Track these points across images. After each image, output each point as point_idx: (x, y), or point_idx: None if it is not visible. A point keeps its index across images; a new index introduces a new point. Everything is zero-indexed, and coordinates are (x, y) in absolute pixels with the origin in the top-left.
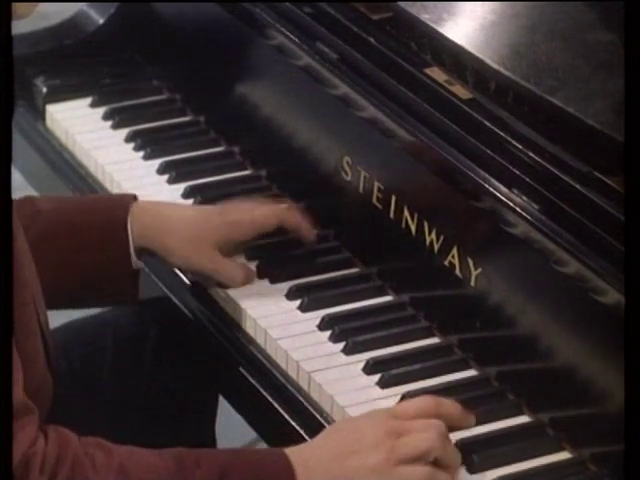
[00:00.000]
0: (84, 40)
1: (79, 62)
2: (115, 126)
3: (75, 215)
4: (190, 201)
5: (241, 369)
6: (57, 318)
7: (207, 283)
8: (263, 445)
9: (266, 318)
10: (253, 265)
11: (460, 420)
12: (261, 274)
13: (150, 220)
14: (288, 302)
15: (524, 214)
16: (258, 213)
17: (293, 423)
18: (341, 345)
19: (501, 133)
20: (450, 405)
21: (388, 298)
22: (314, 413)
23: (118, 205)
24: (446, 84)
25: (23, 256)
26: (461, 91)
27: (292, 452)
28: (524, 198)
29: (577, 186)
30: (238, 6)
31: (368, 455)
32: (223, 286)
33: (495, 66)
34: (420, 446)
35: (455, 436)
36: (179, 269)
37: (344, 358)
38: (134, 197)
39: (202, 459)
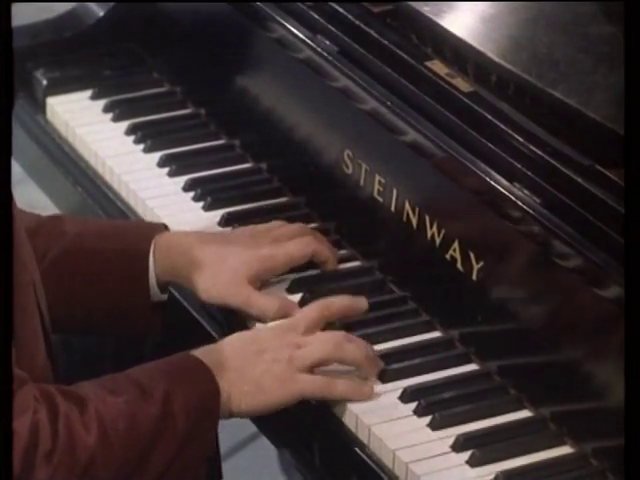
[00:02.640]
0: (84, 32)
1: (79, 54)
2: (115, 119)
3: (97, 241)
4: (191, 194)
5: None
6: None
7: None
8: (262, 440)
9: None
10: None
11: (354, 310)
12: None
13: (175, 252)
14: (289, 296)
15: (525, 207)
16: (293, 247)
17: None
18: None
19: (502, 126)
20: (338, 302)
21: (389, 292)
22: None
23: (141, 234)
24: (447, 77)
25: (23, 258)
26: (462, 84)
27: (211, 364)
28: (525, 191)
29: (579, 179)
30: None
31: (270, 365)
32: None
33: (496, 59)
34: (314, 355)
35: (456, 431)
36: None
37: None
38: (163, 226)
39: (147, 387)
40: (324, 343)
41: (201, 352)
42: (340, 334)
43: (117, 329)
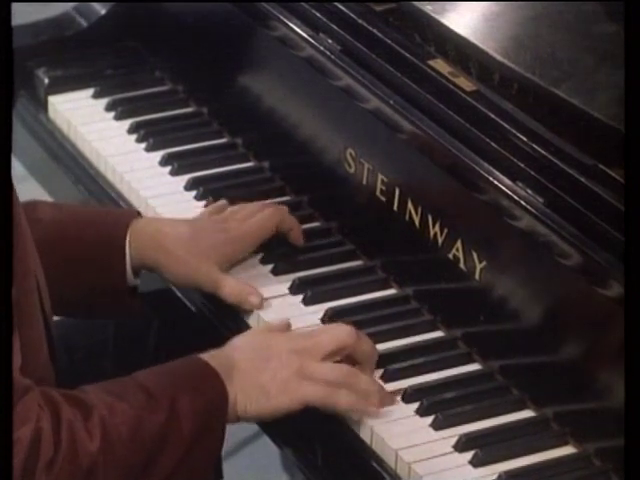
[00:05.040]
0: (86, 31)
1: (81, 53)
2: (118, 117)
3: (73, 228)
4: (193, 193)
5: None
6: None
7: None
8: (264, 439)
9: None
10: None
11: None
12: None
13: (148, 238)
14: (292, 296)
15: (528, 207)
16: (256, 224)
17: None
18: None
19: (505, 125)
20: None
21: (392, 291)
22: None
23: (117, 222)
24: (450, 76)
25: (26, 244)
26: (465, 83)
27: (219, 367)
28: (528, 191)
29: (582, 179)
30: None
31: (278, 371)
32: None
33: (499, 58)
34: (327, 373)
35: (458, 431)
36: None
37: None
38: (137, 213)
39: (153, 391)
40: (335, 368)
41: (210, 356)
42: (351, 335)
43: (96, 313)
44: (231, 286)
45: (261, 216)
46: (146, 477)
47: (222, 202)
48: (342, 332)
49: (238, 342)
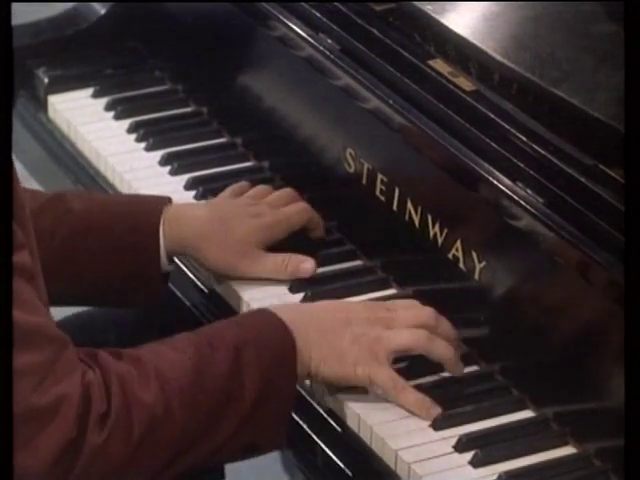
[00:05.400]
0: (86, 31)
1: (81, 53)
2: (117, 117)
3: (105, 218)
4: (192, 192)
5: None
6: (60, 312)
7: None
8: None
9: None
10: None
11: (447, 361)
12: None
13: (185, 224)
14: (292, 296)
15: (528, 207)
16: (292, 213)
17: None
18: None
19: (505, 125)
20: (448, 328)
21: (391, 291)
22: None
23: (149, 209)
24: (450, 76)
25: (33, 246)
26: (465, 83)
27: (289, 320)
28: (528, 191)
29: (581, 179)
30: None
31: (357, 338)
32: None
33: (499, 58)
34: (400, 342)
35: (458, 431)
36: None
37: None
38: (168, 200)
39: (214, 341)
40: (415, 333)
41: (279, 308)
42: (431, 317)
43: (128, 301)
44: (277, 262)
45: (296, 207)
46: (208, 436)
47: (243, 183)
48: (423, 312)
49: (314, 303)
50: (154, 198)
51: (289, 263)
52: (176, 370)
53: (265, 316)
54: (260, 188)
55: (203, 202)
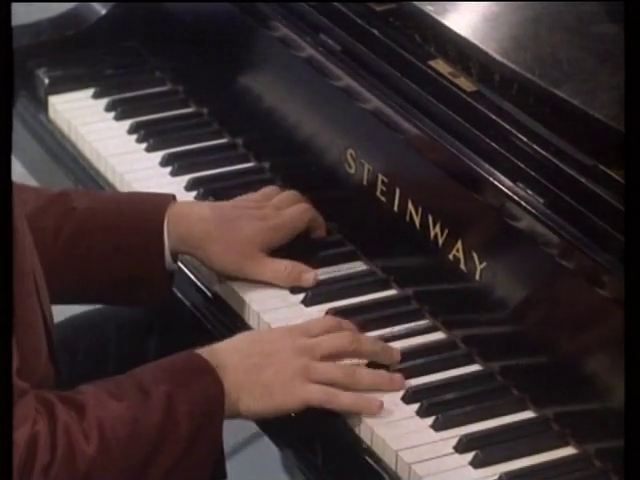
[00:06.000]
0: (86, 31)
1: (81, 53)
2: (118, 117)
3: (109, 216)
4: (193, 193)
5: None
6: (61, 312)
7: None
8: (265, 440)
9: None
10: None
11: (383, 357)
12: None
13: (191, 223)
14: (292, 296)
15: (529, 207)
16: (295, 215)
17: None
18: None
19: (506, 126)
20: (369, 343)
21: (392, 292)
22: None
23: (154, 207)
24: (450, 76)
25: (24, 247)
26: (465, 83)
27: (217, 364)
28: (529, 191)
29: (582, 179)
30: None
31: (280, 369)
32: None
33: (499, 58)
34: (330, 373)
35: (459, 432)
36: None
37: None
38: (172, 197)
39: (149, 389)
40: (338, 337)
41: (206, 351)
42: (349, 340)
43: (133, 299)
44: (279, 269)
45: (299, 208)
46: (144, 477)
47: (273, 187)
48: (343, 339)
49: (235, 338)
50: (158, 196)
51: (291, 271)
52: (114, 419)
53: (195, 362)
54: (268, 189)
55: (207, 201)
